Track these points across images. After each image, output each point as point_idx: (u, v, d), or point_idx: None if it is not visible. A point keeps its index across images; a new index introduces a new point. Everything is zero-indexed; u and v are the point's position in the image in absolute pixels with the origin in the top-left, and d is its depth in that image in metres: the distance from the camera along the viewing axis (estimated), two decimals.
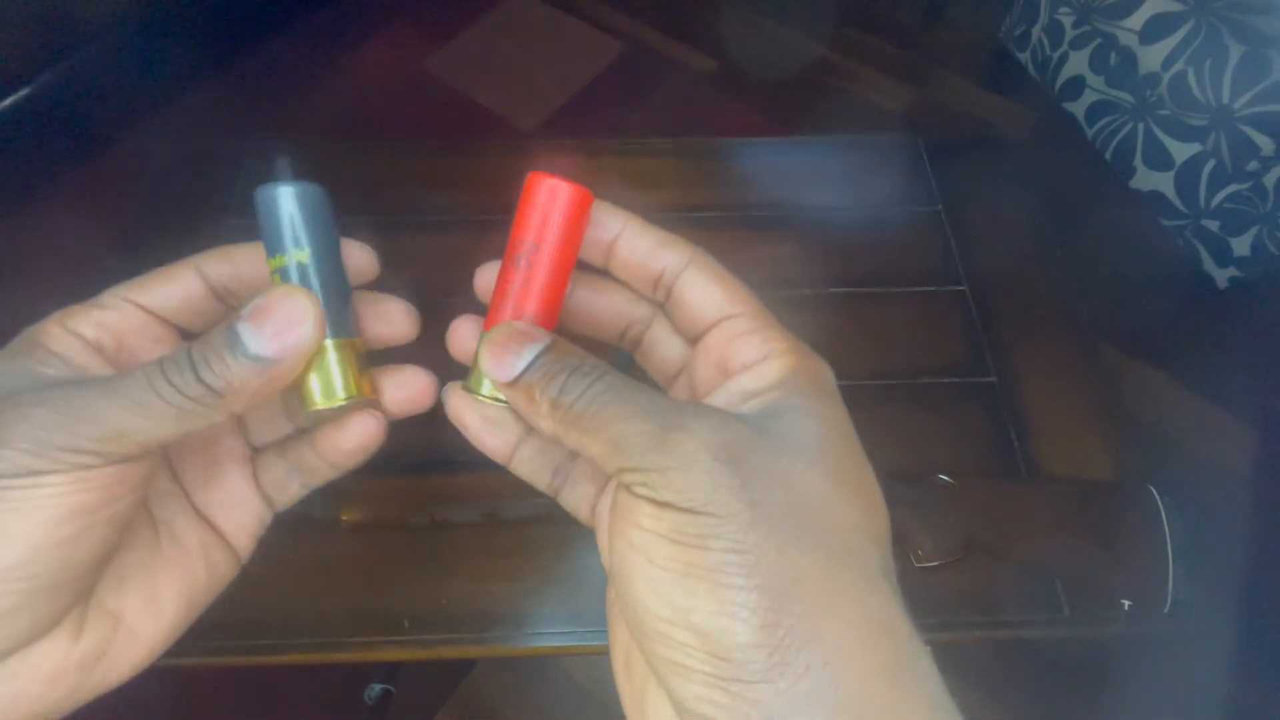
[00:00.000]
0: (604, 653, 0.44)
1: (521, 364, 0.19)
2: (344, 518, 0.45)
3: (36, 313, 0.20)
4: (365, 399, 0.21)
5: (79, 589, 0.19)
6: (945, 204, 0.61)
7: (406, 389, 0.22)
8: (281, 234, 0.21)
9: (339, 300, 0.21)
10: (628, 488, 0.18)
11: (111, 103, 0.99)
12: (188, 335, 0.22)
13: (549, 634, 0.44)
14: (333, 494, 0.45)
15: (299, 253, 0.21)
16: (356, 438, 0.22)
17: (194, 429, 0.18)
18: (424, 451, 0.45)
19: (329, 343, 0.21)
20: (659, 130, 1.26)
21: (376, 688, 0.79)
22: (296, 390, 0.21)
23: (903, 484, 0.45)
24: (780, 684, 0.16)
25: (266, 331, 0.18)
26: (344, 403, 0.21)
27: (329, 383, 0.21)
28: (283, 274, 0.21)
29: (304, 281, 0.21)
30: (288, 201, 0.21)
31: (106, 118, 1.00)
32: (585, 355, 0.20)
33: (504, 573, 0.45)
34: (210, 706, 0.79)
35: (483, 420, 0.22)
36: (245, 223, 0.61)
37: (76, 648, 0.19)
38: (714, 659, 0.16)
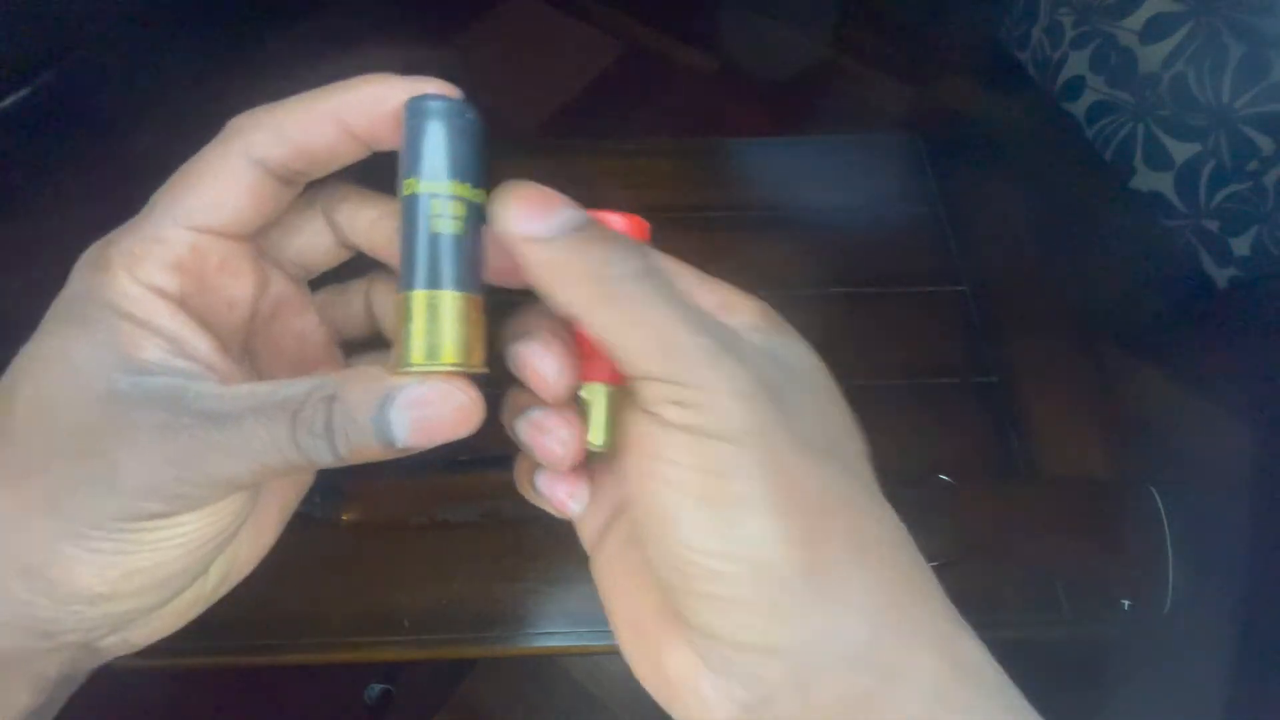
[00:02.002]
0: (604, 653, 0.44)
1: (558, 221, 0.17)
2: (344, 518, 0.45)
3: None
4: (471, 368, 0.18)
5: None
6: (945, 204, 0.61)
7: None
8: (455, 161, 0.18)
9: (479, 248, 0.18)
10: (657, 412, 0.17)
11: (111, 103, 0.99)
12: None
13: (549, 634, 0.44)
14: (333, 494, 0.45)
15: (473, 191, 0.18)
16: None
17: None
18: (424, 451, 0.45)
19: (450, 294, 0.17)
20: (659, 130, 1.26)
21: (376, 688, 0.79)
22: (395, 333, 0.18)
23: (903, 484, 0.45)
24: (820, 599, 0.16)
25: (420, 431, 0.17)
26: (448, 369, 0.18)
27: (436, 343, 0.17)
28: (430, 201, 0.17)
29: (463, 221, 0.18)
30: (473, 125, 0.18)
31: (106, 118, 1.00)
32: (629, 237, 0.18)
33: (504, 573, 0.45)
34: (210, 707, 0.79)
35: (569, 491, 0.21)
36: None
37: (205, 586, 0.20)
38: (758, 584, 0.16)
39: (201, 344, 0.18)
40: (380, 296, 0.23)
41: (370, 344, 0.24)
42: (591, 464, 0.21)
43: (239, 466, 0.17)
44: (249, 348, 0.21)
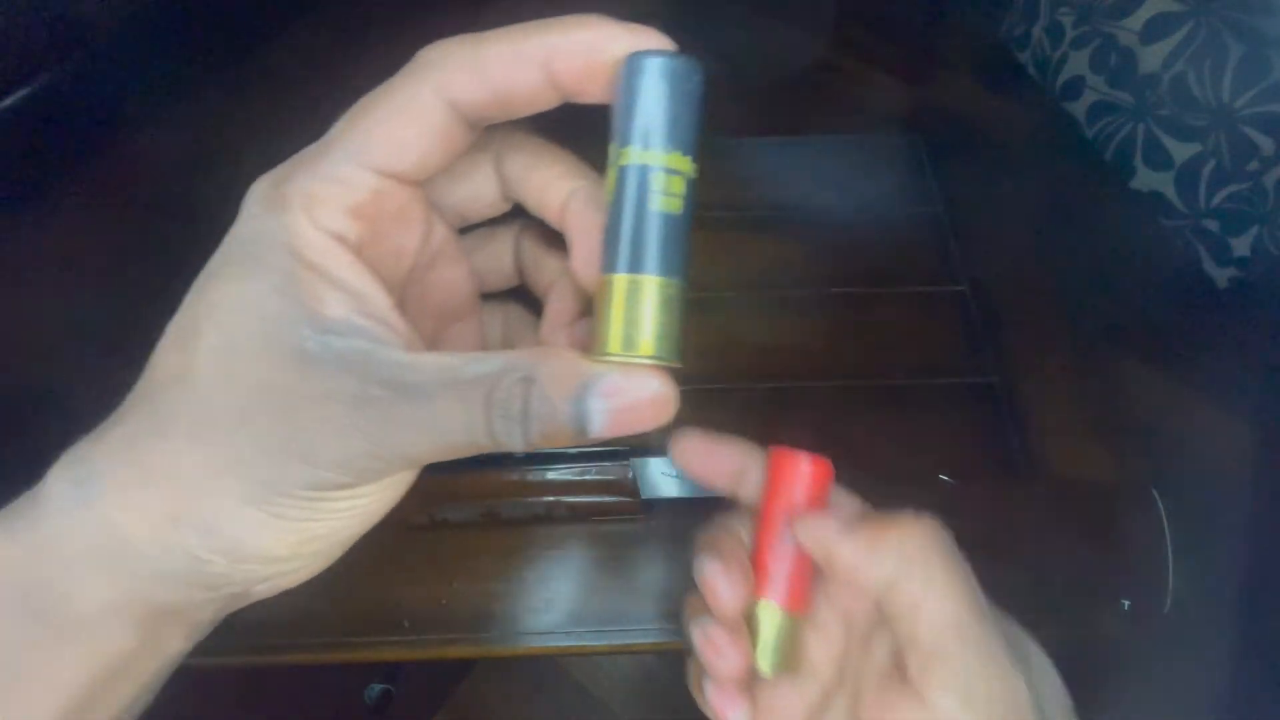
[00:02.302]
0: (604, 652, 0.44)
1: (844, 514, 0.20)
2: None
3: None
4: (668, 361, 0.17)
5: None
6: (945, 204, 0.61)
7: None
8: (680, 131, 0.16)
9: (689, 229, 0.17)
10: (928, 696, 0.18)
11: (112, 103, 0.99)
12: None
13: (549, 634, 0.44)
14: None
15: (693, 165, 0.16)
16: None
17: None
18: None
19: (658, 281, 0.16)
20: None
21: (376, 688, 0.79)
22: (593, 315, 0.17)
23: (903, 484, 0.45)
24: None
25: (616, 422, 0.16)
26: (645, 361, 0.16)
27: (634, 334, 0.16)
28: (650, 175, 0.16)
29: (681, 199, 0.16)
30: (700, 90, 0.16)
31: (107, 119, 0.99)
32: None
33: (504, 573, 0.45)
34: (211, 706, 0.80)
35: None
36: None
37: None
38: None
39: (379, 299, 0.17)
40: (530, 249, 0.22)
41: (506, 293, 0.23)
42: (759, 684, 0.21)
43: (426, 443, 0.16)
44: (401, 298, 0.20)
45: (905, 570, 0.19)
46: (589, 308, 0.20)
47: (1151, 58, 0.86)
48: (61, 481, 0.16)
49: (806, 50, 1.34)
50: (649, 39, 0.17)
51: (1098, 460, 0.50)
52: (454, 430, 0.16)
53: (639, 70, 0.16)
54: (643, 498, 0.44)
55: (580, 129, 0.20)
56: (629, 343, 0.16)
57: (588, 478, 0.45)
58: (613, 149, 0.16)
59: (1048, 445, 0.50)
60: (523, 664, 0.86)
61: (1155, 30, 0.86)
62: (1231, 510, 0.51)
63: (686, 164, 0.16)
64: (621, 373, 0.16)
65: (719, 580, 0.20)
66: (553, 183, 0.19)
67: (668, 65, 0.16)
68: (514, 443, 0.16)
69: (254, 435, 0.16)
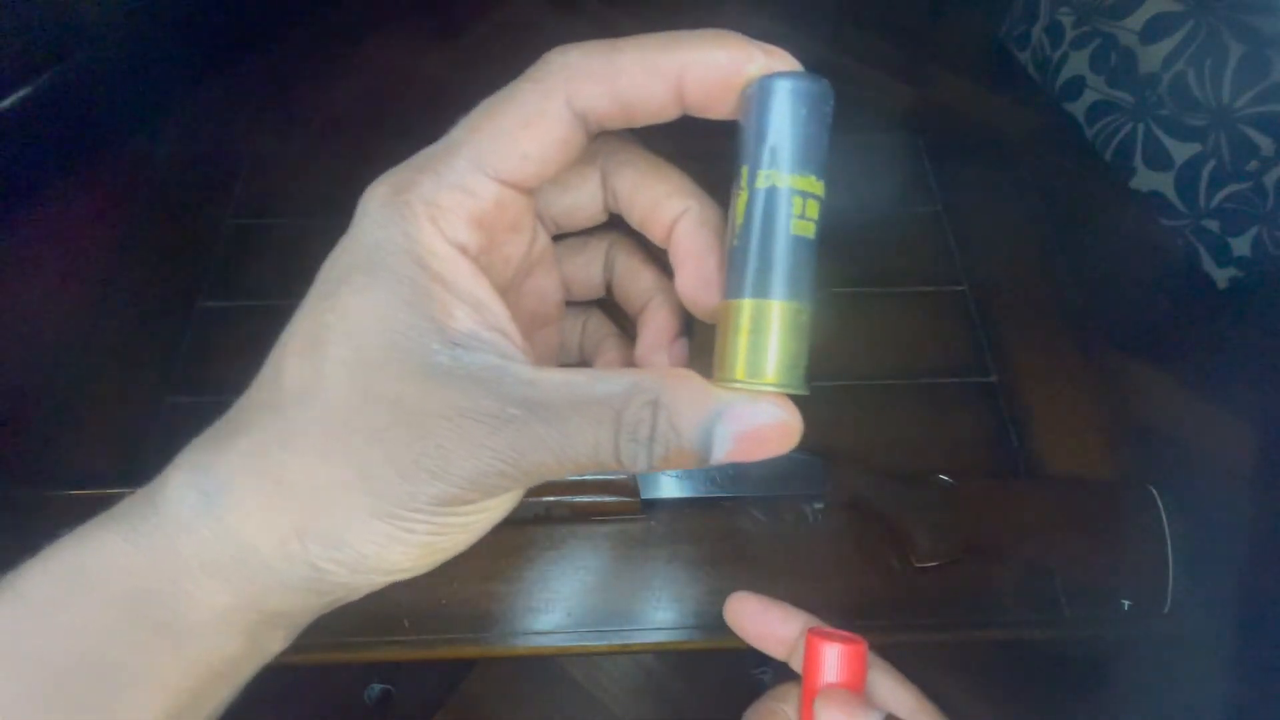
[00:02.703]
0: (604, 652, 0.44)
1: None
2: None
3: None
4: (794, 389, 0.16)
5: None
6: (945, 204, 0.61)
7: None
8: (812, 152, 0.16)
9: (816, 253, 0.16)
10: None
11: (112, 104, 0.99)
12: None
13: (549, 634, 0.44)
14: None
15: (820, 186, 0.16)
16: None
17: None
18: None
19: (790, 307, 0.16)
20: (659, 131, 1.25)
21: (376, 688, 0.79)
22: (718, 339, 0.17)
23: (903, 484, 0.45)
24: None
25: (740, 450, 0.16)
26: (770, 389, 0.16)
27: (761, 361, 0.16)
28: (792, 199, 0.16)
29: (815, 224, 0.16)
30: (833, 112, 0.16)
31: (107, 119, 1.00)
32: None
33: (504, 573, 0.45)
34: None
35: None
36: (246, 222, 0.61)
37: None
38: None
39: (499, 310, 0.17)
40: (623, 263, 0.21)
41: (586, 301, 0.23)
42: None
43: (555, 462, 0.16)
44: None
45: None
46: (689, 328, 0.20)
47: (1151, 58, 0.86)
48: (186, 490, 0.17)
49: (806, 50, 1.34)
50: (783, 60, 0.16)
51: (1098, 460, 0.50)
52: (583, 451, 0.16)
53: (776, 91, 0.16)
54: (643, 498, 0.44)
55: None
56: (755, 369, 0.16)
57: (588, 478, 0.45)
58: (744, 171, 0.16)
59: (1048, 445, 0.50)
60: (523, 664, 0.86)
61: (1155, 30, 0.86)
62: (1231, 510, 0.51)
63: (820, 187, 0.16)
64: (749, 401, 0.16)
65: None
66: (662, 201, 0.19)
67: (805, 88, 0.16)
68: (638, 465, 0.16)
69: (386, 451, 0.15)
